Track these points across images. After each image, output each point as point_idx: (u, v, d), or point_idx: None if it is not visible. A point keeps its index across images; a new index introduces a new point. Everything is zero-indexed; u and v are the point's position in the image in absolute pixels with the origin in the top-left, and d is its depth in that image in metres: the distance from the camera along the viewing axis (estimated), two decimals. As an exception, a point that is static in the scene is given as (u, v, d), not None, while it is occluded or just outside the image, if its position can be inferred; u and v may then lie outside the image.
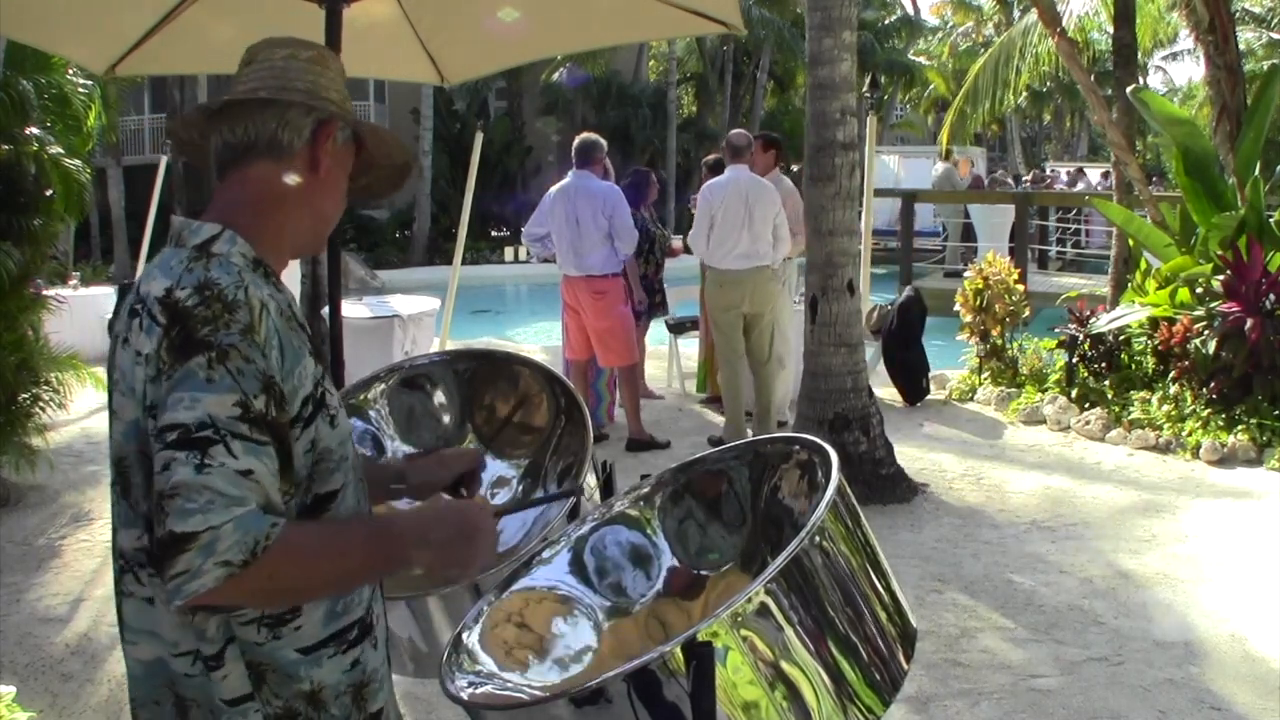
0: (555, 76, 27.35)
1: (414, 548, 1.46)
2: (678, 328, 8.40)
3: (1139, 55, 11.91)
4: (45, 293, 6.35)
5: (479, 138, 8.13)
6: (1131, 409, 7.14)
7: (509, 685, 1.71)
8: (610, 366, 7.11)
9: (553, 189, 6.94)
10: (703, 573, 1.96)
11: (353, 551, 1.43)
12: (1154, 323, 7.46)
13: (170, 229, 1.50)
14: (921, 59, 34.86)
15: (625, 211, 6.73)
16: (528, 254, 21.30)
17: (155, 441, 1.33)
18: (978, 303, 8.24)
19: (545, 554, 1.95)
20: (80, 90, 6.82)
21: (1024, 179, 26.39)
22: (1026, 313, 8.49)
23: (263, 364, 1.37)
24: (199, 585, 1.27)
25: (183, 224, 1.48)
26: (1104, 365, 7.70)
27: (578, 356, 7.09)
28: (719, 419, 7.60)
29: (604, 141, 7.05)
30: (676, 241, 8.36)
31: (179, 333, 1.35)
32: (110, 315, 1.55)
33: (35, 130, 6.14)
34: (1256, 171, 7.88)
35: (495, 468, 2.34)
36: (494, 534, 1.51)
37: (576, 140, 6.99)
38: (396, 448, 2.37)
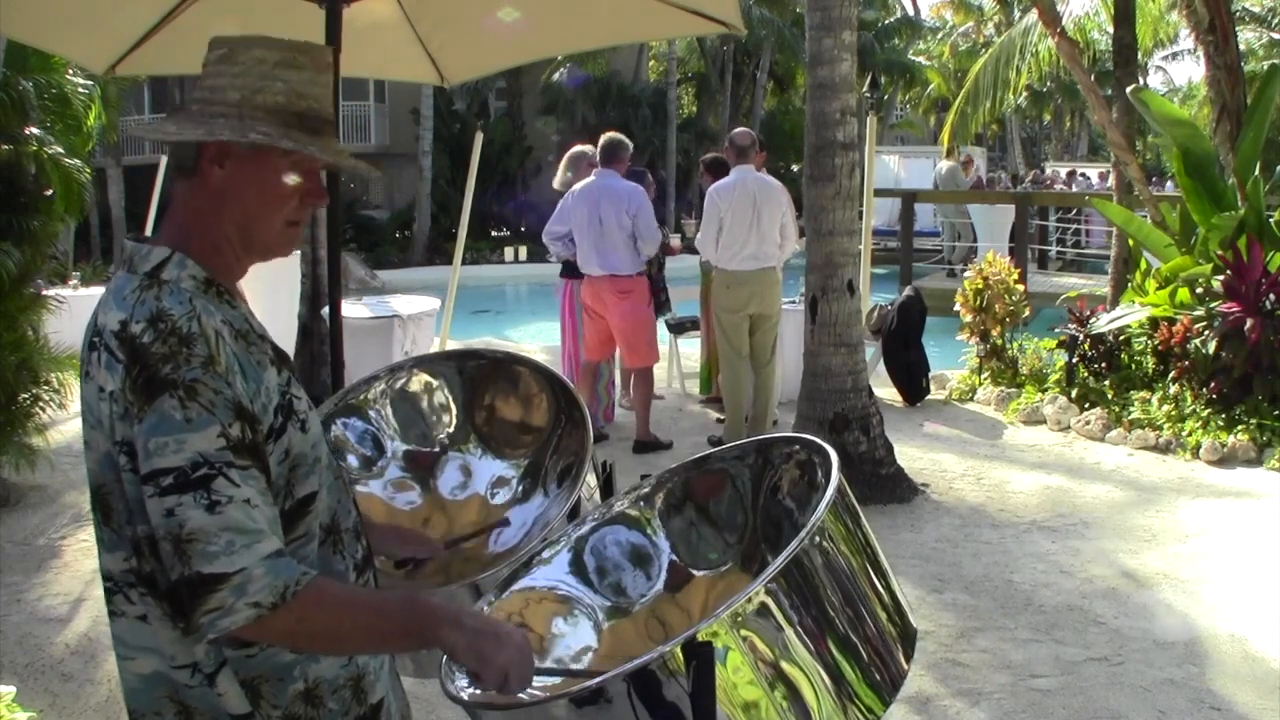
0: (555, 76, 27.32)
1: (448, 625, 1.44)
2: (678, 328, 8.40)
3: (1139, 55, 11.90)
4: (45, 293, 6.34)
5: (479, 138, 8.13)
6: (1131, 409, 7.13)
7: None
8: (634, 367, 7.07)
9: (575, 187, 6.87)
10: (702, 572, 1.96)
11: (385, 611, 1.46)
12: (1154, 323, 7.46)
13: (123, 251, 1.50)
14: (921, 59, 34.85)
15: (649, 211, 6.74)
16: (528, 254, 21.33)
17: (146, 485, 1.35)
18: (978, 303, 8.24)
19: (545, 554, 1.95)
20: (80, 90, 6.82)
21: (1024, 179, 26.40)
22: (1026, 313, 8.50)
23: (230, 393, 1.38)
24: (229, 622, 1.33)
25: (134, 248, 1.48)
26: (1104, 365, 7.70)
27: (592, 358, 7.09)
28: (720, 418, 7.62)
29: (629, 142, 7.04)
30: (675, 240, 8.36)
31: (140, 372, 1.36)
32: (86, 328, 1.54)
33: (35, 130, 6.14)
34: (1256, 171, 7.89)
35: (495, 467, 2.35)
36: (527, 652, 1.48)
37: (602, 139, 6.96)
38: (396, 447, 2.37)
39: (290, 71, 1.51)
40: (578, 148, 7.55)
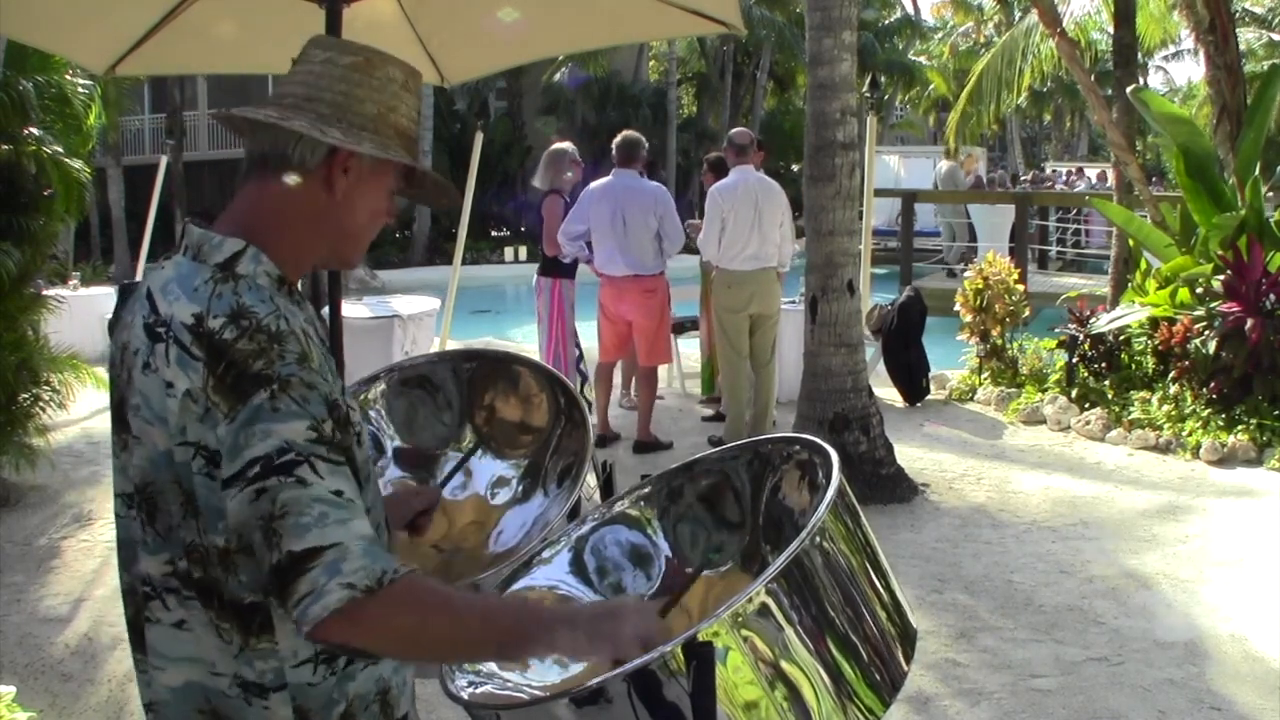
0: (555, 76, 27.35)
1: (562, 626, 1.40)
2: (678, 328, 8.39)
3: (1142, 55, 11.91)
4: (45, 293, 6.34)
5: (479, 138, 8.13)
6: (1131, 409, 7.13)
7: (509, 685, 1.71)
8: (651, 365, 7.05)
9: (592, 187, 6.81)
10: (703, 572, 1.96)
11: (492, 615, 1.40)
12: (1154, 323, 7.46)
13: (186, 237, 1.42)
14: (922, 59, 34.84)
15: (675, 210, 6.75)
16: (528, 254, 21.31)
17: (234, 484, 1.28)
18: (978, 303, 8.25)
19: (545, 554, 1.95)
20: (80, 90, 6.81)
21: (1023, 179, 26.39)
22: (1026, 313, 8.50)
23: (324, 388, 1.34)
24: (321, 607, 1.23)
25: (203, 236, 1.40)
26: (1104, 365, 7.71)
27: (609, 359, 7.10)
28: (708, 415, 7.63)
29: (644, 140, 7.03)
30: (694, 223, 8.36)
31: (228, 370, 1.29)
32: (110, 316, 1.47)
33: (35, 130, 6.14)
34: (1256, 171, 7.89)
35: (495, 467, 2.34)
36: (647, 608, 1.46)
37: (619, 138, 6.93)
38: (396, 447, 2.37)
39: (410, 95, 1.50)
40: (556, 145, 7.50)
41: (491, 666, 1.73)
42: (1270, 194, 8.35)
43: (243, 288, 1.35)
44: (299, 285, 1.51)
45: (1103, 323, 7.68)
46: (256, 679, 1.38)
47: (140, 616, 1.43)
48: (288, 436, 1.28)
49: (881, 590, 1.63)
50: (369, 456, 1.52)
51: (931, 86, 34.14)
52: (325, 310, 3.53)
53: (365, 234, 1.51)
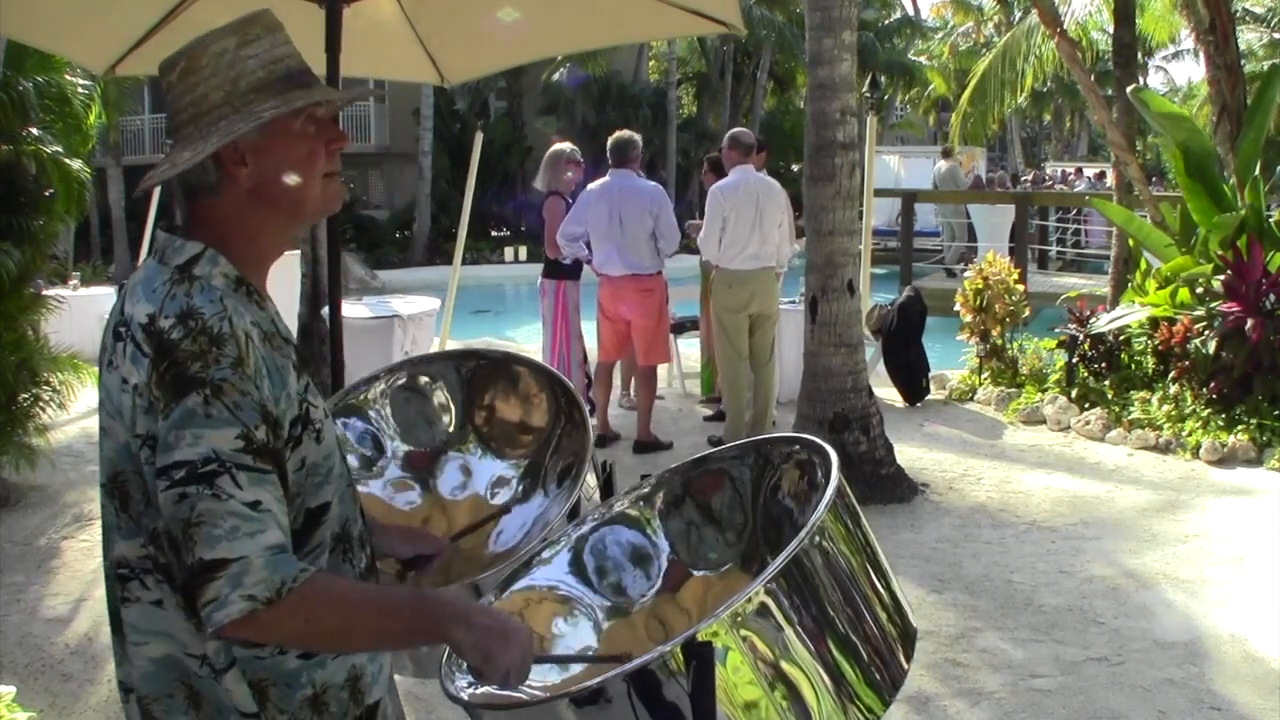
0: (555, 76, 27.34)
1: (455, 621, 1.44)
2: (678, 328, 8.39)
3: (1142, 55, 11.92)
4: (45, 293, 6.34)
5: (479, 138, 8.13)
6: (1131, 409, 7.13)
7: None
8: (650, 364, 7.05)
9: (591, 187, 6.83)
10: (702, 572, 1.96)
11: (393, 609, 1.45)
12: (1154, 323, 7.46)
13: (157, 240, 1.50)
14: (922, 59, 34.84)
15: (670, 209, 6.76)
16: (528, 254, 21.32)
17: (161, 478, 1.35)
18: (978, 303, 8.24)
19: (545, 554, 1.95)
20: (80, 90, 6.81)
21: (1024, 179, 26.41)
22: (1026, 313, 8.50)
23: (256, 395, 1.38)
24: (224, 615, 1.31)
25: (167, 240, 1.48)
26: (1104, 365, 7.70)
27: (609, 359, 7.11)
28: (708, 414, 7.63)
29: (638, 138, 7.03)
30: (694, 223, 8.35)
31: (168, 368, 1.36)
32: (110, 316, 1.52)
33: (35, 130, 6.14)
34: (1257, 171, 7.89)
35: (495, 468, 2.34)
36: (530, 650, 1.49)
37: (612, 139, 6.92)
38: (396, 447, 2.37)
39: (252, 47, 1.48)
40: (556, 146, 7.51)
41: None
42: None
43: (195, 289, 1.41)
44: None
45: (1103, 323, 7.68)
46: (212, 660, 1.45)
47: (118, 600, 1.50)
48: (215, 445, 1.34)
49: (881, 590, 1.63)
50: (333, 449, 1.54)
51: (931, 86, 34.14)
52: (325, 310, 3.53)
53: (312, 183, 1.51)
